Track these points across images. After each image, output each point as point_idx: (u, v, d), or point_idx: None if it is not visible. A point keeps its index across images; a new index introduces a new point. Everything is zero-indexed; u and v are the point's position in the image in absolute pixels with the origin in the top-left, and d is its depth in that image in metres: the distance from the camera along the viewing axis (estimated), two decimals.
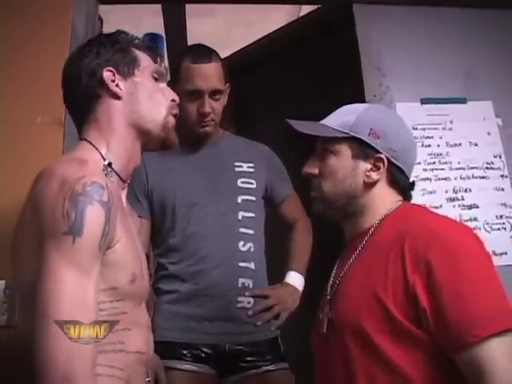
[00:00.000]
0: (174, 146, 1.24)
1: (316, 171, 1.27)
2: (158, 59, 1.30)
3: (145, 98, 1.20)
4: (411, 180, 1.30)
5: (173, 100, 1.24)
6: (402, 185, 1.27)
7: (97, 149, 1.15)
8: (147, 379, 1.14)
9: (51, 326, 0.91)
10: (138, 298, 1.11)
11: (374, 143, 1.23)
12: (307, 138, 1.27)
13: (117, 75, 1.18)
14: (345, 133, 1.24)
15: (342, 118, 1.27)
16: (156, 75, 1.24)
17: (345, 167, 1.24)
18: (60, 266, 0.94)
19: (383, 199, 1.25)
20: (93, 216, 0.98)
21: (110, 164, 1.14)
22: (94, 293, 0.97)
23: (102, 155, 1.14)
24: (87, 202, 0.97)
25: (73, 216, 0.96)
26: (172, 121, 1.23)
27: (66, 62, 1.24)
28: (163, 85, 1.26)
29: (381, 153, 1.23)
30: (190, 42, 2.99)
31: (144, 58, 1.23)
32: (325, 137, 1.27)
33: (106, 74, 1.17)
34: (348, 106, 1.33)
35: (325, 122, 1.30)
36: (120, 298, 1.05)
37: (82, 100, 1.18)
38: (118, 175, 1.16)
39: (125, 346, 1.05)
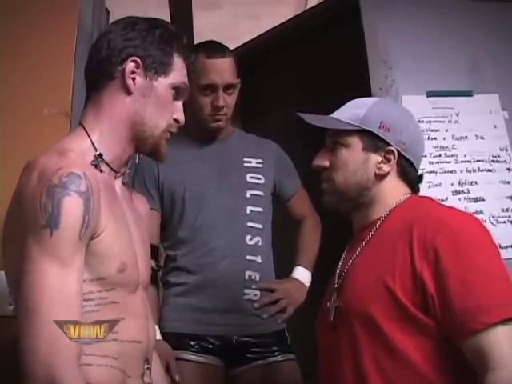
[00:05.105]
0: (162, 159, 1.23)
1: (327, 164, 1.28)
2: None
3: (152, 107, 1.15)
4: (419, 173, 1.31)
5: (176, 120, 1.19)
6: (411, 177, 1.29)
7: (89, 136, 1.12)
8: (146, 366, 1.13)
9: (33, 318, 0.92)
10: (130, 286, 1.10)
11: (385, 136, 1.25)
12: (315, 131, 1.28)
13: (140, 69, 1.13)
14: (356, 126, 1.26)
15: (353, 111, 1.29)
16: (175, 91, 1.18)
17: (356, 159, 1.25)
18: (40, 259, 0.95)
19: (393, 191, 1.26)
20: (70, 207, 0.97)
21: (100, 155, 1.11)
22: (76, 284, 0.97)
23: (92, 143, 1.11)
24: (64, 194, 0.97)
25: (49, 209, 0.95)
26: (167, 137, 1.19)
27: (110, 25, 1.20)
28: (179, 103, 1.20)
29: (391, 145, 1.25)
30: (196, 35, 2.99)
31: (178, 71, 1.18)
32: (335, 130, 1.28)
33: (130, 65, 1.12)
34: (357, 99, 1.34)
35: (335, 115, 1.31)
36: (109, 287, 1.04)
37: (96, 71, 1.15)
38: (109, 165, 1.13)
39: (118, 335, 1.04)
